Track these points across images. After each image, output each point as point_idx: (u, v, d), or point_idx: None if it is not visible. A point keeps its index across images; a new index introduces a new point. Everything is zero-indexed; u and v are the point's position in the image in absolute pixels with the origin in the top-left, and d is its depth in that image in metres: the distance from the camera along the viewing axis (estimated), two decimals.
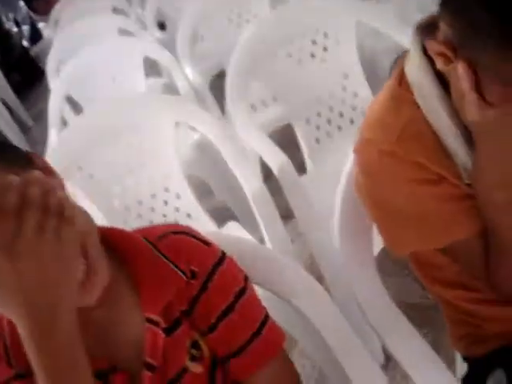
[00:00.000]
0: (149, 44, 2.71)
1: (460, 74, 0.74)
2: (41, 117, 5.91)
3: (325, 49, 1.93)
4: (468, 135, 0.81)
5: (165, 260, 0.83)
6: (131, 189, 1.71)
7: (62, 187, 0.78)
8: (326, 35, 1.91)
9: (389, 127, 0.84)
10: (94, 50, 2.79)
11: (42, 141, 4.98)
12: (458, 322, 1.03)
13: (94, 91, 2.66)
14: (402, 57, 0.91)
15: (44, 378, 0.68)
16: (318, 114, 1.93)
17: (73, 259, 0.69)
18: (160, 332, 0.81)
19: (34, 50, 7.36)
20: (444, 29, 0.76)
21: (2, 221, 0.65)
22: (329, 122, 1.94)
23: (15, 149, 0.78)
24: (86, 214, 0.74)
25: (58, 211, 0.67)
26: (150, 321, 0.81)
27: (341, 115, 1.95)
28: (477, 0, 0.70)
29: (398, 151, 0.83)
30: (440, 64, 0.78)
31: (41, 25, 7.74)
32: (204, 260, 0.85)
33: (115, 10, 3.92)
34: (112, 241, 0.84)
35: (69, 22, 4.04)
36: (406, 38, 1.75)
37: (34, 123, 5.82)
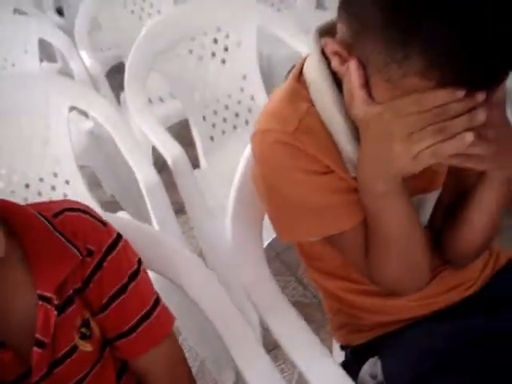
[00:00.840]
0: (46, 26, 2.62)
1: (351, 71, 0.79)
2: None
3: (225, 49, 1.96)
4: (356, 132, 0.86)
5: (60, 237, 0.82)
6: (18, 171, 1.65)
7: None
8: (227, 36, 1.94)
9: (285, 119, 0.88)
10: None
11: None
12: (338, 311, 1.09)
13: None
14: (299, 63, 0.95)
15: None
16: (215, 112, 1.96)
17: None
18: (52, 309, 0.80)
19: None
20: (340, 29, 0.81)
21: None
22: (224, 120, 1.98)
23: None
24: None
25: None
26: (42, 298, 0.80)
27: (236, 115, 1.99)
28: (371, 1, 0.74)
29: (293, 142, 0.86)
30: (335, 63, 0.82)
31: None
32: (100, 239, 0.85)
33: None
34: (9, 216, 0.82)
35: None
36: (305, 48, 1.85)
37: None
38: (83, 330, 0.84)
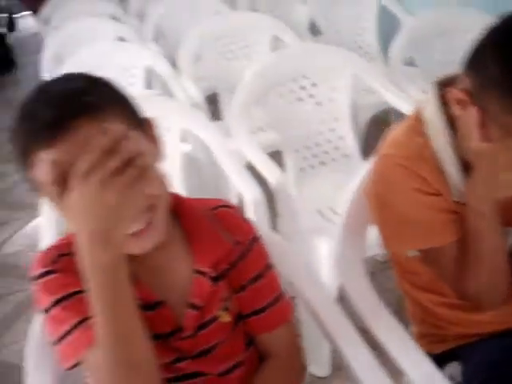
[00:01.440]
0: (153, 54, 2.89)
1: (472, 115, 0.99)
2: (6, 105, 5.95)
3: (322, 93, 2.19)
4: (462, 164, 1.07)
5: (217, 226, 1.04)
6: None
7: (156, 156, 0.94)
8: (325, 80, 2.17)
9: (406, 147, 1.10)
10: (96, 51, 2.95)
11: (5, 128, 5.03)
12: (423, 321, 1.27)
13: None
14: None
15: (92, 291, 0.84)
16: (307, 148, 2.18)
17: (129, 209, 0.81)
18: (207, 281, 1.01)
19: (10, 39, 7.40)
20: (464, 80, 1.02)
21: (93, 156, 0.78)
22: (315, 156, 2.20)
23: (139, 113, 0.95)
24: (163, 183, 0.93)
25: (138, 170, 0.80)
26: (198, 272, 1.01)
27: (326, 152, 2.21)
28: (493, 59, 0.95)
29: (410, 166, 1.08)
30: (456, 108, 1.03)
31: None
32: (246, 233, 1.07)
33: (112, 18, 4.06)
34: (175, 205, 1.03)
35: (62, 21, 4.17)
36: (392, 97, 2.06)
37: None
38: (226, 303, 1.04)
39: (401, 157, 1.09)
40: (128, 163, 0.79)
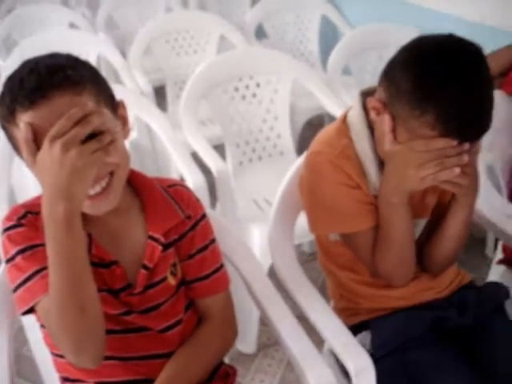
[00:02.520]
0: (104, 43, 2.99)
1: (384, 121, 1.18)
2: None
3: (264, 93, 2.36)
4: (379, 164, 1.26)
5: (171, 200, 1.20)
6: None
7: (123, 133, 1.09)
8: (268, 82, 2.35)
9: (333, 146, 1.29)
10: (49, 36, 3.02)
11: None
12: (341, 297, 1.46)
13: None
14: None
15: (47, 241, 0.97)
16: (247, 143, 2.35)
17: (90, 177, 0.94)
18: (159, 246, 1.16)
19: None
20: (379, 91, 1.22)
21: (64, 122, 0.92)
22: (253, 151, 2.37)
23: (112, 93, 1.09)
24: (123, 155, 1.07)
25: (101, 141, 0.95)
26: (151, 237, 1.16)
27: (264, 148, 2.38)
28: (403, 74, 1.15)
29: (337, 163, 1.26)
30: (372, 114, 1.23)
31: None
32: (197, 209, 1.23)
33: (64, 5, 4.11)
34: (135, 179, 1.19)
35: (14, 4, 4.20)
36: (328, 102, 2.25)
37: None
38: (172, 268, 1.19)
39: (330, 154, 1.27)
40: (94, 134, 0.94)
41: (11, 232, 1.09)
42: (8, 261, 1.08)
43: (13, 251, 1.08)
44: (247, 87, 2.33)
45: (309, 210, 1.36)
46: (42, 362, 1.36)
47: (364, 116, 1.28)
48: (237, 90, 2.32)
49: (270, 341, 2.21)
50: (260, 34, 3.49)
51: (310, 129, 2.94)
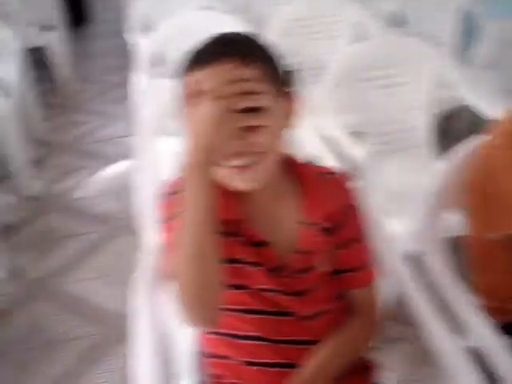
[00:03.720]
0: (240, 28, 3.03)
1: None
2: (82, 57, 6.17)
3: (403, 83, 2.31)
4: None
5: (330, 188, 1.19)
6: None
7: (284, 124, 1.10)
8: (408, 72, 2.29)
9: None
10: (189, 17, 3.12)
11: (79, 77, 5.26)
12: (488, 296, 1.40)
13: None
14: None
15: (185, 195, 1.01)
16: (381, 134, 2.32)
17: (228, 132, 0.99)
18: (313, 232, 1.16)
19: None
20: None
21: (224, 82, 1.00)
22: (386, 143, 2.33)
23: (281, 80, 1.11)
24: (276, 140, 1.08)
25: (251, 104, 1.01)
26: (307, 223, 1.16)
27: (396, 140, 2.34)
28: None
29: None
30: None
31: None
32: (353, 198, 1.22)
33: None
34: (293, 164, 1.20)
35: None
36: (472, 98, 2.16)
37: (76, 60, 6.08)
38: (325, 255, 1.19)
39: (509, 147, 1.23)
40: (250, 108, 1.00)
41: (169, 197, 1.16)
42: (163, 222, 1.15)
43: (168, 215, 1.14)
44: (387, 76, 2.28)
45: (482, 209, 1.32)
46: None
47: None
48: (377, 78, 2.28)
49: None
50: (397, 21, 3.41)
51: (444, 122, 2.84)
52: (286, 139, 1.12)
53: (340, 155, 1.98)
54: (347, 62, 2.22)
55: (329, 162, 1.92)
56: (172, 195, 1.14)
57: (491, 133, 1.30)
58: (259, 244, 1.15)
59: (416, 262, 1.42)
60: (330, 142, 2.07)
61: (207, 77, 1.03)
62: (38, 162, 3.90)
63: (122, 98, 4.91)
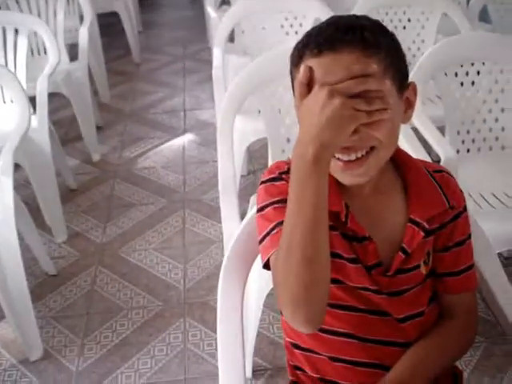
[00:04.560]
0: (322, 9, 2.95)
1: None
2: (148, 26, 6.19)
3: (496, 81, 2.21)
4: None
5: (437, 187, 1.13)
6: None
7: (402, 115, 1.03)
8: (501, 71, 2.19)
9: None
10: None
11: (146, 47, 5.29)
12: None
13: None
14: None
15: (291, 188, 0.95)
16: (468, 131, 2.23)
17: (345, 131, 0.91)
18: (420, 232, 1.10)
19: None
20: None
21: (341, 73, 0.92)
22: (473, 141, 2.24)
23: (405, 71, 1.03)
24: (391, 135, 1.00)
25: (371, 107, 0.91)
26: (413, 221, 1.10)
27: (484, 140, 2.24)
28: None
29: None
30: None
31: None
32: (460, 200, 1.16)
33: None
34: (401, 160, 1.14)
35: None
36: None
37: (143, 30, 6.11)
38: (426, 257, 1.14)
39: None
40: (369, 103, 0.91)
41: (270, 184, 1.10)
42: (259, 210, 1.09)
43: (266, 202, 1.08)
44: (478, 73, 2.19)
45: None
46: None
47: None
48: (467, 74, 2.19)
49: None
50: (481, 18, 3.29)
51: None
52: (396, 137, 1.05)
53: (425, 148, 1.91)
54: (439, 55, 2.12)
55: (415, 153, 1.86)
56: (276, 182, 1.09)
57: None
58: (361, 239, 1.09)
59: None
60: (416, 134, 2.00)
61: (322, 67, 0.95)
62: (104, 128, 3.93)
63: (188, 70, 4.94)
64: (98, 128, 3.79)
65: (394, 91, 0.99)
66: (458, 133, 2.20)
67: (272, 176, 1.11)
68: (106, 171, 3.43)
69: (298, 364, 1.21)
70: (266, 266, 1.06)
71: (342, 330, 1.13)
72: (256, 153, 3.35)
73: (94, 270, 2.61)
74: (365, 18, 1.03)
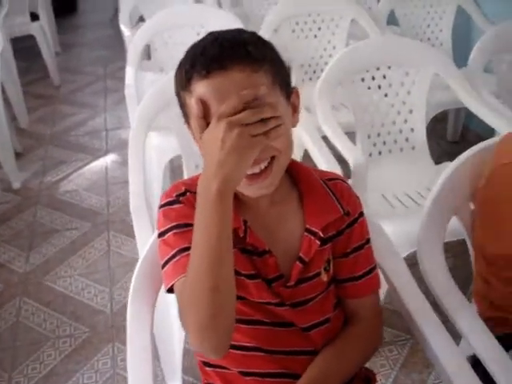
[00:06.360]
0: (232, 22, 2.97)
1: None
2: (68, 47, 6.09)
3: (402, 84, 2.27)
4: None
5: (331, 195, 1.15)
6: None
7: (291, 120, 1.04)
8: (407, 73, 2.25)
9: None
10: (179, 11, 3.07)
11: (66, 68, 5.19)
12: (490, 305, 1.37)
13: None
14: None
15: (196, 215, 0.94)
16: (378, 134, 2.27)
17: (248, 159, 0.90)
18: (316, 241, 1.11)
19: None
20: None
21: (234, 102, 0.89)
22: (384, 143, 2.29)
23: (289, 78, 1.05)
24: (288, 142, 1.02)
25: (269, 126, 0.90)
26: (309, 231, 1.11)
27: (395, 142, 2.29)
28: None
29: None
30: None
31: None
32: (356, 206, 1.17)
33: None
34: (295, 170, 1.15)
35: None
36: (471, 101, 2.13)
37: (62, 51, 6.00)
38: (326, 264, 1.15)
39: None
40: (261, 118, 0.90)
41: (168, 208, 1.09)
42: (160, 235, 1.08)
43: (166, 227, 1.07)
44: (384, 77, 2.25)
45: (485, 227, 1.29)
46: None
47: None
48: (374, 79, 2.24)
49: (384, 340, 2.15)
50: (390, 21, 3.38)
51: (431, 125, 2.80)
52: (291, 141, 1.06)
53: (335, 155, 1.94)
54: (347, 60, 2.17)
55: (324, 161, 1.89)
56: (173, 205, 1.08)
57: (506, 145, 1.26)
58: (261, 253, 1.10)
59: (414, 266, 1.39)
60: (324, 142, 2.03)
61: (214, 89, 0.94)
62: (24, 154, 3.84)
63: (109, 90, 4.87)
64: (18, 154, 3.69)
65: (283, 99, 1.01)
66: (369, 136, 2.25)
67: (169, 200, 1.10)
68: (28, 198, 3.34)
69: (212, 381, 1.20)
70: (170, 290, 1.05)
71: (249, 345, 1.13)
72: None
73: (19, 301, 2.53)
74: (243, 31, 1.04)
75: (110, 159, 3.71)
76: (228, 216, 0.93)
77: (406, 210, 2.06)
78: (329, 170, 1.24)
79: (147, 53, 3.35)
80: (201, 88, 0.96)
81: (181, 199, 1.08)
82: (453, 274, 1.36)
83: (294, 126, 1.06)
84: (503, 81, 2.49)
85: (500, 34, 2.56)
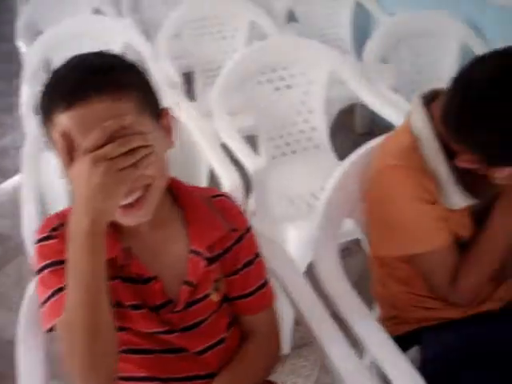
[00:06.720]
0: (132, 31, 2.91)
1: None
2: None
3: (298, 84, 2.27)
4: (454, 177, 1.18)
5: (215, 212, 1.12)
6: None
7: (165, 143, 1.00)
8: (304, 73, 2.25)
9: (409, 159, 1.20)
10: (76, 23, 2.97)
11: None
12: (389, 305, 1.39)
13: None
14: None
15: (68, 255, 0.91)
16: (280, 136, 2.27)
17: (118, 194, 0.86)
18: (202, 261, 1.08)
19: None
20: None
21: (98, 135, 0.85)
22: (287, 144, 2.28)
23: (157, 100, 1.00)
24: (161, 166, 0.98)
25: (136, 157, 0.85)
26: (194, 252, 1.08)
27: (298, 142, 2.30)
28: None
29: (415, 176, 1.19)
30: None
31: None
32: (242, 222, 1.15)
33: None
34: (175, 189, 1.11)
35: None
36: (366, 94, 2.15)
37: None
38: (216, 284, 1.12)
39: (407, 168, 1.20)
40: (128, 150, 0.85)
41: (42, 244, 1.04)
42: (37, 272, 1.03)
43: (42, 264, 1.03)
44: (281, 78, 2.24)
45: (376, 229, 1.30)
46: None
47: (430, 127, 1.19)
48: (270, 81, 2.23)
49: (303, 340, 2.14)
50: (290, 19, 3.39)
51: (339, 119, 2.83)
52: (165, 164, 1.02)
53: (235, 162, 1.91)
54: (242, 64, 2.15)
55: (226, 168, 1.86)
56: (47, 241, 1.04)
57: (390, 146, 1.27)
58: (147, 280, 1.06)
59: (311, 271, 1.38)
60: (225, 148, 2.00)
61: (76, 122, 0.89)
62: None
63: (16, 106, 4.68)
64: None
65: (153, 124, 0.97)
66: (271, 139, 2.24)
67: (43, 235, 1.05)
68: None
69: None
70: (51, 329, 1.01)
71: (141, 375, 1.09)
72: None
73: None
74: (107, 55, 0.99)
75: (16, 180, 3.56)
76: (100, 255, 0.90)
77: (311, 212, 2.06)
78: (211, 187, 1.20)
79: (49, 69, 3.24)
80: (63, 121, 0.91)
81: (54, 234, 1.04)
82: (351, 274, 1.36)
83: (170, 147, 1.02)
84: (401, 72, 2.54)
85: (397, 24, 2.61)
